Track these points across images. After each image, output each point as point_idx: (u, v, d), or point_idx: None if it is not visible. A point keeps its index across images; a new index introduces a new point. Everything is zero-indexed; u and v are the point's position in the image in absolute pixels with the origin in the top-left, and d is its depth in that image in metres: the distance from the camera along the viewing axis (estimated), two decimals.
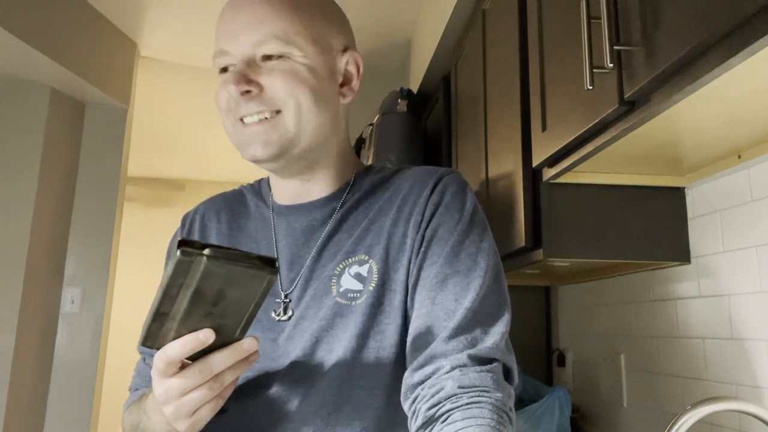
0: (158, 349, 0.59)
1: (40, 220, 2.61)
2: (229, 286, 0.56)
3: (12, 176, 2.56)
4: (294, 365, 0.71)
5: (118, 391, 2.35)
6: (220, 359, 0.58)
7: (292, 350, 0.72)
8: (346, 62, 0.79)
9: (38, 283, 2.60)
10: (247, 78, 0.70)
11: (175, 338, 0.58)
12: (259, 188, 0.88)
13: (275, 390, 0.71)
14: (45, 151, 2.61)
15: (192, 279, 0.54)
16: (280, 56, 0.72)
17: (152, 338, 0.59)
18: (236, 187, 0.90)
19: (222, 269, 0.54)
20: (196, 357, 0.59)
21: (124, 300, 4.06)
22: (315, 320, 0.72)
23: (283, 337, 0.73)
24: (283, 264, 0.78)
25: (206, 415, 0.61)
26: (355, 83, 0.80)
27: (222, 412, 0.74)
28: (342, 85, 0.79)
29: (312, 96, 0.72)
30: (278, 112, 0.72)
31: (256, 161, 0.74)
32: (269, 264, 0.56)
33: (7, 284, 2.48)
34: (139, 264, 4.67)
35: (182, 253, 0.53)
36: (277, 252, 0.79)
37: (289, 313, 0.74)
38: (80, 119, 2.86)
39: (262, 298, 0.57)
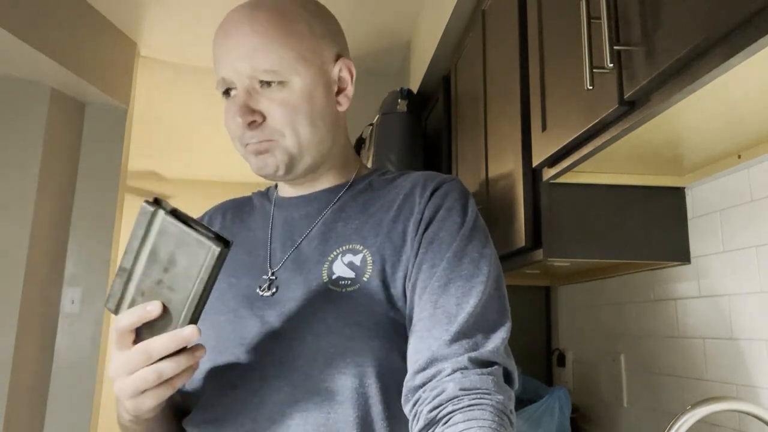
0: (116, 314, 0.62)
1: (40, 220, 2.61)
2: (179, 251, 0.59)
3: (12, 176, 2.56)
4: (284, 349, 0.71)
5: None
6: (159, 342, 0.60)
7: (281, 332, 0.72)
8: (339, 70, 0.81)
9: (38, 283, 2.60)
10: (250, 109, 0.75)
11: (130, 306, 0.61)
12: (267, 191, 0.93)
13: (264, 373, 0.72)
14: (45, 151, 2.61)
15: (150, 233, 0.59)
16: (277, 82, 0.75)
17: (113, 299, 0.62)
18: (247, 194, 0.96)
19: (175, 227, 0.58)
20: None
21: None
22: (305, 304, 0.73)
23: (270, 316, 0.74)
24: (276, 247, 0.80)
25: (149, 402, 0.62)
26: (350, 89, 0.83)
27: (201, 394, 0.75)
28: (337, 92, 0.82)
29: (309, 120, 0.77)
30: (280, 138, 0.77)
31: (266, 176, 0.80)
32: (222, 241, 0.58)
33: (7, 284, 2.48)
34: None
35: (147, 203, 0.59)
36: (270, 238, 0.82)
37: (273, 290, 0.76)
38: (80, 119, 2.86)
39: (208, 274, 0.58)
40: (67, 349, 2.71)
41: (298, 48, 0.76)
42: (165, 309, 0.60)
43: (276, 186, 0.91)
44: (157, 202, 0.59)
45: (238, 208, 0.91)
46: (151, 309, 0.59)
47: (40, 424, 2.61)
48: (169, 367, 0.60)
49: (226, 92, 0.78)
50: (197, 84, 3.28)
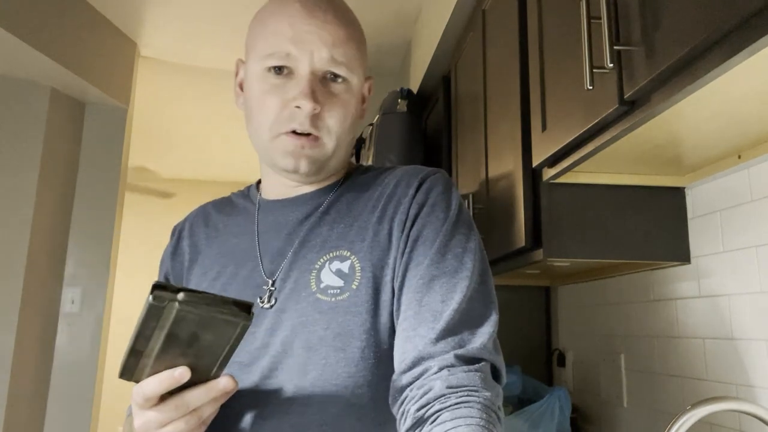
0: (135, 382, 0.61)
1: (40, 220, 2.61)
2: (203, 331, 0.57)
3: (12, 176, 2.56)
4: (275, 361, 0.71)
5: (118, 391, 2.35)
6: (196, 396, 0.60)
7: (271, 344, 0.72)
8: (367, 87, 0.85)
9: (38, 283, 2.60)
10: (319, 99, 0.74)
11: (151, 374, 0.59)
12: (248, 191, 0.90)
13: (257, 385, 0.71)
14: (45, 151, 2.61)
15: (165, 322, 0.56)
16: (343, 79, 0.77)
17: (129, 372, 0.60)
18: (226, 195, 0.94)
19: (194, 315, 0.55)
20: (174, 390, 0.60)
21: (124, 300, 4.06)
22: (294, 315, 0.72)
23: (262, 328, 0.73)
24: (265, 256, 0.79)
25: None
26: (366, 106, 0.86)
27: None
28: None
29: (351, 123, 0.79)
30: (326, 136, 0.77)
31: (294, 173, 0.78)
32: (245, 309, 0.57)
33: (7, 284, 2.48)
34: (141, 263, 4.67)
35: (154, 298, 0.54)
36: (258, 244, 0.80)
37: (272, 301, 0.75)
38: (80, 119, 2.86)
39: (237, 341, 0.58)
40: (67, 349, 2.71)
41: (362, 52, 0.79)
42: (191, 369, 0.60)
43: (257, 186, 0.89)
44: (163, 288, 0.55)
45: (219, 211, 0.89)
46: (179, 375, 0.59)
47: (40, 424, 2.61)
48: (209, 409, 0.62)
49: (278, 69, 0.75)
50: (197, 84, 3.28)
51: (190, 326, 0.56)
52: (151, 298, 0.54)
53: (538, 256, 1.23)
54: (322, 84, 0.75)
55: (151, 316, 0.55)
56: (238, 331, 0.57)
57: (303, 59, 0.74)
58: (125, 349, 0.59)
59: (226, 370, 0.74)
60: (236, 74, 0.84)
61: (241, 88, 0.83)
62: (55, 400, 2.65)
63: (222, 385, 0.60)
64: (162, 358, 0.58)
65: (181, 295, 0.55)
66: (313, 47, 0.73)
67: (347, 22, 0.78)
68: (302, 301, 0.73)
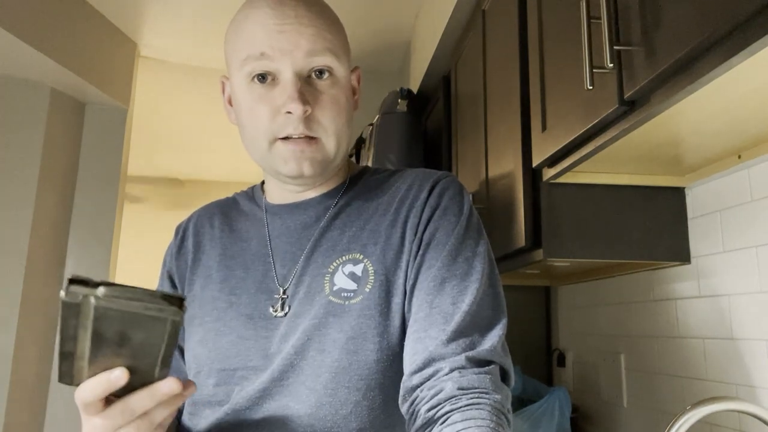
0: (76, 386, 0.56)
1: (40, 220, 2.61)
2: (131, 329, 0.52)
3: (12, 176, 2.56)
4: (288, 364, 0.71)
5: None
6: (140, 400, 0.55)
7: (284, 348, 0.72)
8: (353, 78, 0.83)
9: (38, 283, 2.60)
10: (308, 100, 0.72)
11: (89, 376, 0.55)
12: (252, 193, 0.89)
13: (269, 392, 0.71)
14: (45, 151, 2.61)
15: (86, 320, 0.51)
16: (329, 73, 0.75)
17: (66, 377, 0.56)
18: (230, 195, 0.92)
19: (116, 312, 0.50)
20: (122, 393, 0.56)
21: None
22: (307, 318, 0.72)
23: (277, 334, 0.73)
24: (277, 261, 0.78)
25: None
26: (358, 97, 0.84)
27: (205, 415, 0.73)
28: None
29: (346, 120, 0.77)
30: (323, 135, 0.75)
31: (299, 177, 0.76)
32: (175, 303, 0.52)
33: (7, 284, 2.48)
34: (141, 264, 4.67)
35: (67, 294, 0.49)
36: (270, 250, 0.80)
37: (286, 309, 0.74)
38: (80, 119, 2.86)
39: (172, 339, 0.53)
40: None
41: (343, 42, 0.77)
42: (131, 370, 0.54)
43: (261, 187, 0.88)
44: (80, 283, 0.50)
45: (225, 213, 0.88)
46: (115, 378, 0.53)
47: (41, 424, 2.61)
48: (160, 413, 0.57)
49: (262, 78, 0.74)
50: (197, 84, 3.28)
51: (115, 324, 0.51)
52: (63, 294, 0.49)
53: (538, 256, 1.23)
54: (308, 84, 0.73)
55: (69, 315, 0.50)
56: (169, 328, 0.52)
57: (284, 62, 0.72)
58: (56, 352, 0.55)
59: (224, 373, 0.73)
60: (223, 92, 0.83)
61: (230, 104, 0.82)
62: (56, 400, 2.65)
63: (165, 388, 0.55)
64: (96, 359, 0.53)
65: (100, 290, 0.50)
66: (291, 47, 0.71)
67: (319, 11, 0.75)
68: (316, 305, 0.73)
